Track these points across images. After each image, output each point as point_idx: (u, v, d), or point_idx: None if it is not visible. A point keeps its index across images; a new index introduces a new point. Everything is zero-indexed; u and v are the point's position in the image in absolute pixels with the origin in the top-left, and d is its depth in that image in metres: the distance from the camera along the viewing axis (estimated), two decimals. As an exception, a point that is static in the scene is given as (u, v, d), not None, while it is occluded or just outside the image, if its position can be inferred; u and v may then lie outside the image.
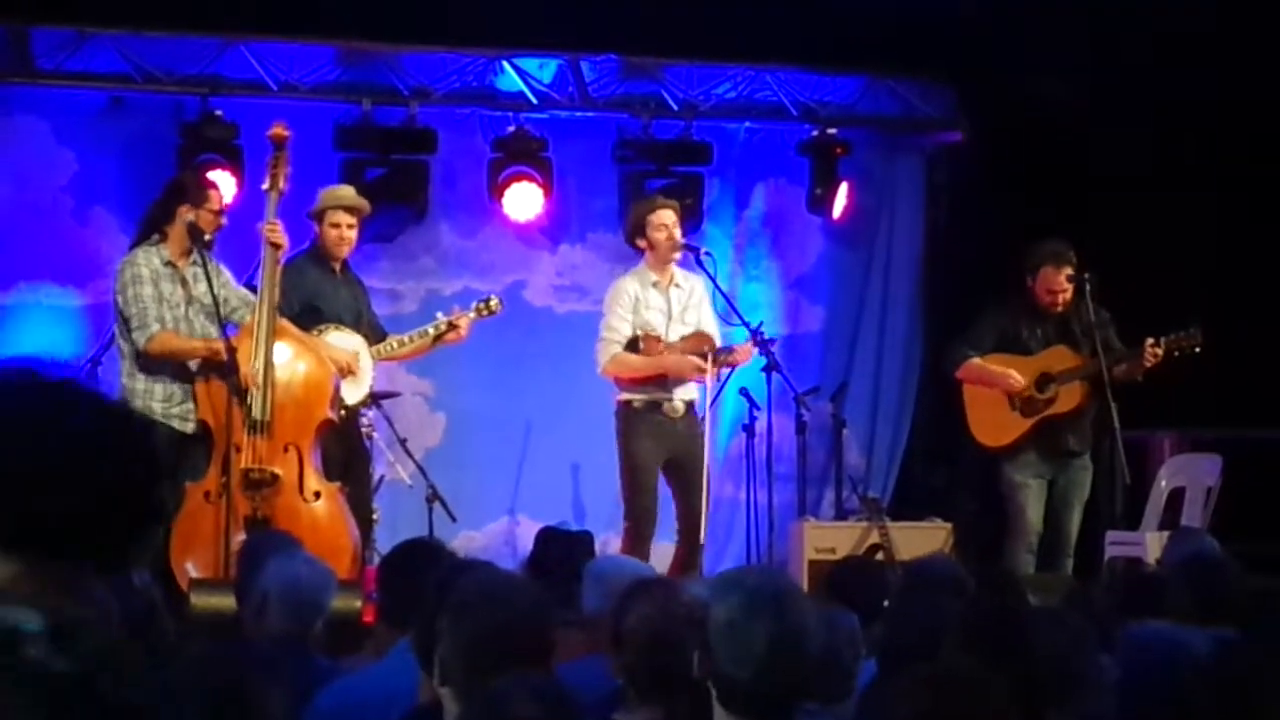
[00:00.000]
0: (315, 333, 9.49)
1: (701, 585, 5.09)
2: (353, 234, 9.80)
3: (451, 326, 9.89)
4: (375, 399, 9.92)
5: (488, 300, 10.12)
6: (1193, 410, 11.07)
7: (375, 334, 9.85)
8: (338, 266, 9.77)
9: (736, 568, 5.54)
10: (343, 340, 9.58)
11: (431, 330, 9.89)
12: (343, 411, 9.43)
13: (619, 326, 9.93)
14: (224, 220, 9.16)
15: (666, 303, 10.01)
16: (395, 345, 9.84)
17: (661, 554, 9.98)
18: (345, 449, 9.60)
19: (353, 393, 9.56)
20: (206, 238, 9.02)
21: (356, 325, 9.71)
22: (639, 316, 9.93)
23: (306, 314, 9.48)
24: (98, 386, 2.71)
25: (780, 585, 3.84)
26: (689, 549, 9.86)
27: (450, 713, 4.09)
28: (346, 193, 10.00)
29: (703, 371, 9.79)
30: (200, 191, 9.21)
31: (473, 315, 9.98)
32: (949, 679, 3.38)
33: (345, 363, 9.45)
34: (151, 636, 5.05)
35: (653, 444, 9.87)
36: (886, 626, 4.99)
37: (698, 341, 9.91)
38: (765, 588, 3.77)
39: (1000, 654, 4.00)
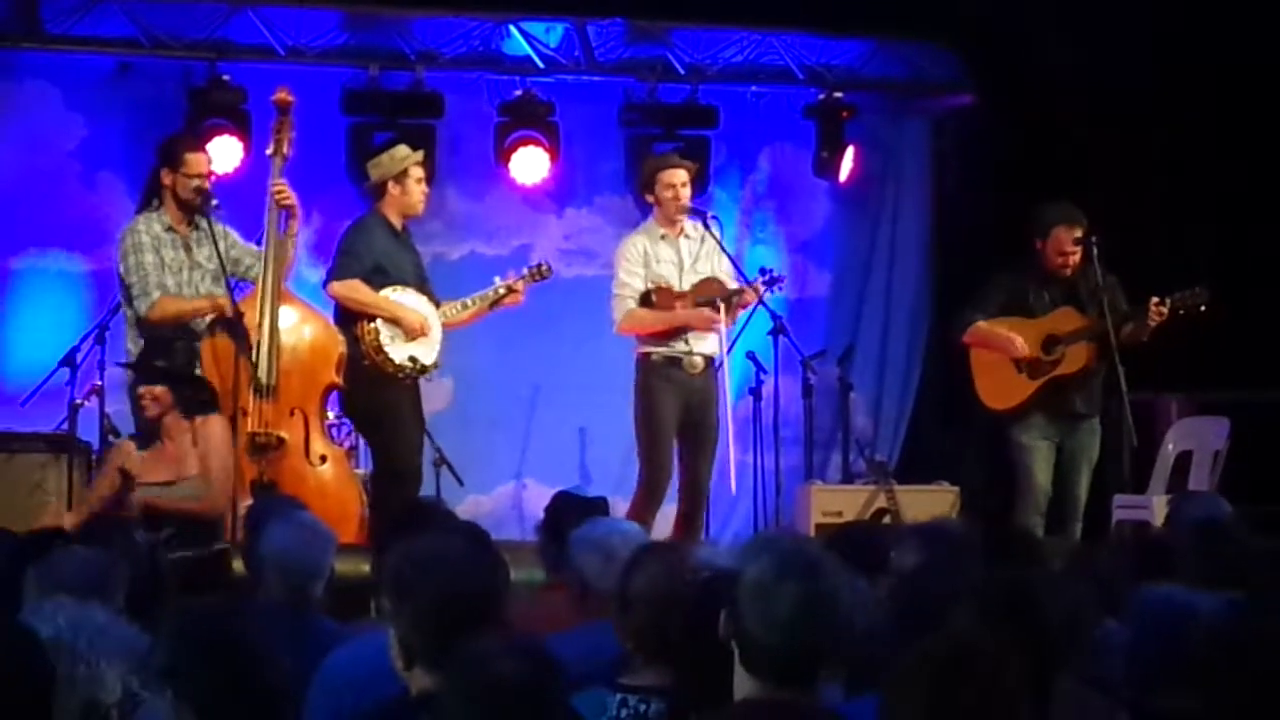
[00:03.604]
0: (388, 291, 9.43)
1: (712, 550, 5.10)
2: None
3: (510, 290, 9.84)
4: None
5: (539, 266, 10.07)
6: (1200, 373, 11.05)
7: (433, 300, 9.76)
8: (400, 229, 9.64)
9: (771, 531, 5.50)
10: (414, 301, 9.49)
11: (491, 294, 9.82)
12: (414, 372, 9.42)
13: (630, 281, 9.86)
14: (206, 185, 8.96)
15: (677, 254, 9.93)
16: (459, 309, 9.76)
17: (664, 516, 9.95)
18: (415, 409, 9.58)
19: (426, 353, 9.47)
20: (214, 202, 8.99)
21: (420, 289, 9.63)
22: (651, 271, 9.86)
23: (374, 274, 9.39)
24: None
25: (813, 550, 3.82)
26: (691, 507, 9.86)
27: (419, 689, 3.97)
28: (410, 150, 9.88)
29: (716, 321, 9.76)
30: (178, 156, 9.08)
31: (526, 278, 9.93)
32: (959, 651, 3.35)
33: (419, 324, 9.39)
34: (156, 598, 5.06)
35: (671, 399, 9.82)
36: (896, 592, 4.97)
37: (709, 286, 9.85)
38: (797, 551, 3.76)
39: (1006, 619, 3.99)
